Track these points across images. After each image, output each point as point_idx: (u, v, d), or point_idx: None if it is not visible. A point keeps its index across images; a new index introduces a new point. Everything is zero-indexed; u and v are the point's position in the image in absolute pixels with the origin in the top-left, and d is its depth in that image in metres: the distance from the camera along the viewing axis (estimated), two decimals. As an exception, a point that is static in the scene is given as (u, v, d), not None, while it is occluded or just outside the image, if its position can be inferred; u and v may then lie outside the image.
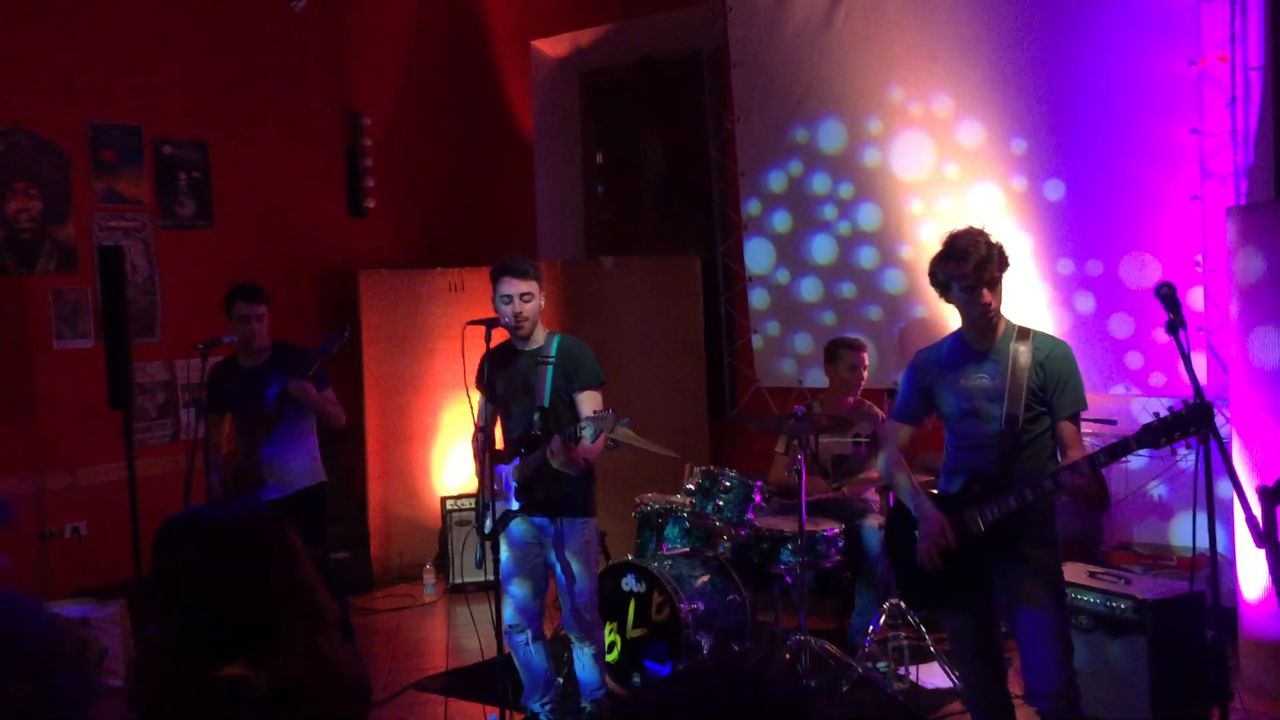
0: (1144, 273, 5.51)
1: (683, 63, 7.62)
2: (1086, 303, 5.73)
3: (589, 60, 8.04)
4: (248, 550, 1.96)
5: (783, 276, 6.91)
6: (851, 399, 5.88)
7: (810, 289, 6.81)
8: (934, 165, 6.21)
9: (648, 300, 7.20)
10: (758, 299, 7.04)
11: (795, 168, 6.76)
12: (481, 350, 4.50)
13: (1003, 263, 3.57)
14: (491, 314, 4.47)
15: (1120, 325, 5.63)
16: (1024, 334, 3.63)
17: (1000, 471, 3.55)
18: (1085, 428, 3.78)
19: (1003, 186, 5.95)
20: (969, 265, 3.51)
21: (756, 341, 7.07)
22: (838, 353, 5.87)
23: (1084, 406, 3.64)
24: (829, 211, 6.66)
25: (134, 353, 6.02)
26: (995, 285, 3.56)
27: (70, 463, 6.29)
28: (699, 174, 7.50)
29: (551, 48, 8.04)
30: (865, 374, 5.85)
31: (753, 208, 6.98)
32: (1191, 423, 3.24)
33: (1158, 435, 3.28)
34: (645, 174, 8.12)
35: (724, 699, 1.29)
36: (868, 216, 6.51)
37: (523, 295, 4.42)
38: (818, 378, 6.42)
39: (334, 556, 6.87)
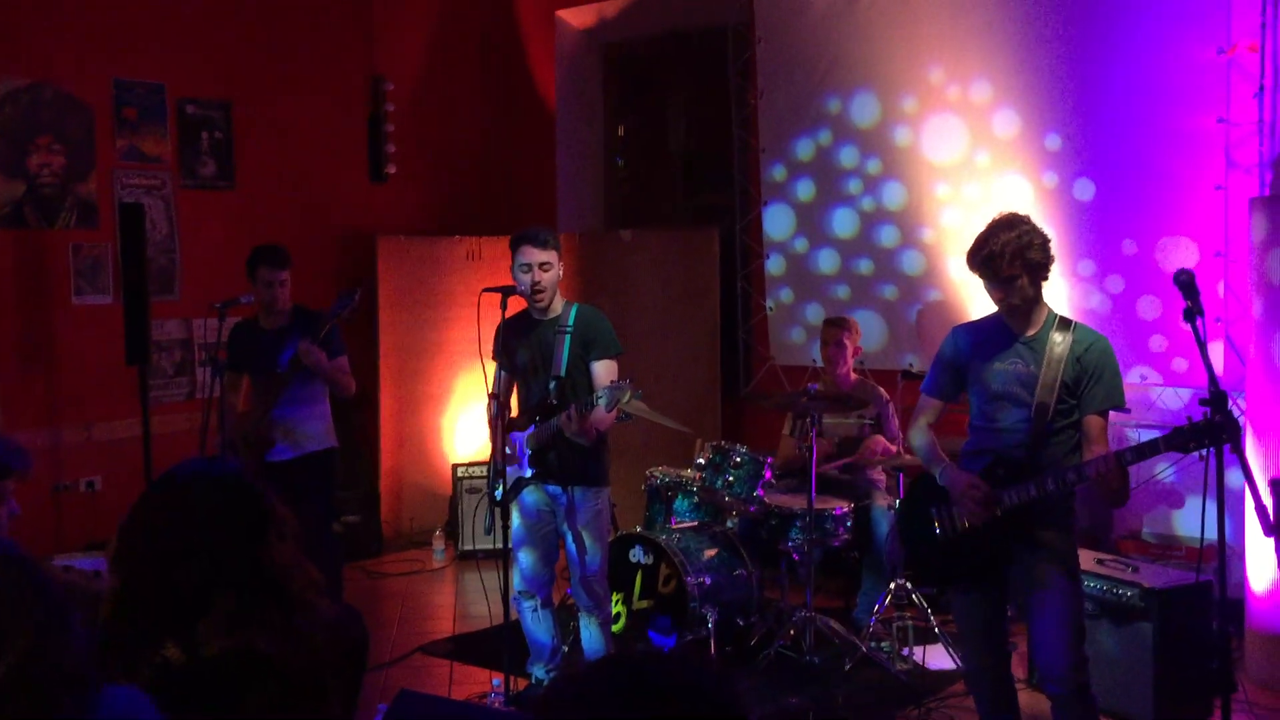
0: (1177, 256, 5.45)
1: (707, 37, 7.58)
2: (1113, 287, 5.67)
3: (613, 32, 8.00)
4: (218, 524, 1.96)
5: (801, 246, 6.89)
6: (853, 377, 5.87)
7: (828, 261, 6.79)
8: (966, 151, 6.16)
9: (664, 274, 7.18)
10: (773, 265, 7.02)
11: (825, 137, 6.72)
12: (497, 318, 4.51)
13: (1020, 260, 3.44)
14: (509, 282, 4.48)
15: (1148, 307, 5.59)
16: (1065, 324, 3.58)
17: (1025, 458, 3.53)
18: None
19: (1033, 181, 5.90)
20: (975, 259, 3.52)
21: (769, 308, 7.05)
22: (822, 331, 5.94)
23: (1119, 404, 3.56)
24: (854, 186, 6.62)
25: (152, 310, 6.05)
26: (1010, 282, 3.48)
27: (86, 417, 6.33)
28: (721, 149, 7.47)
29: (576, 18, 8.01)
30: (849, 353, 5.80)
31: (777, 173, 6.94)
32: (1223, 434, 3.21)
33: (1187, 439, 3.24)
34: (667, 148, 8.09)
35: (638, 689, 1.26)
36: (892, 195, 6.48)
37: (542, 265, 4.42)
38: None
39: (345, 520, 6.93)
